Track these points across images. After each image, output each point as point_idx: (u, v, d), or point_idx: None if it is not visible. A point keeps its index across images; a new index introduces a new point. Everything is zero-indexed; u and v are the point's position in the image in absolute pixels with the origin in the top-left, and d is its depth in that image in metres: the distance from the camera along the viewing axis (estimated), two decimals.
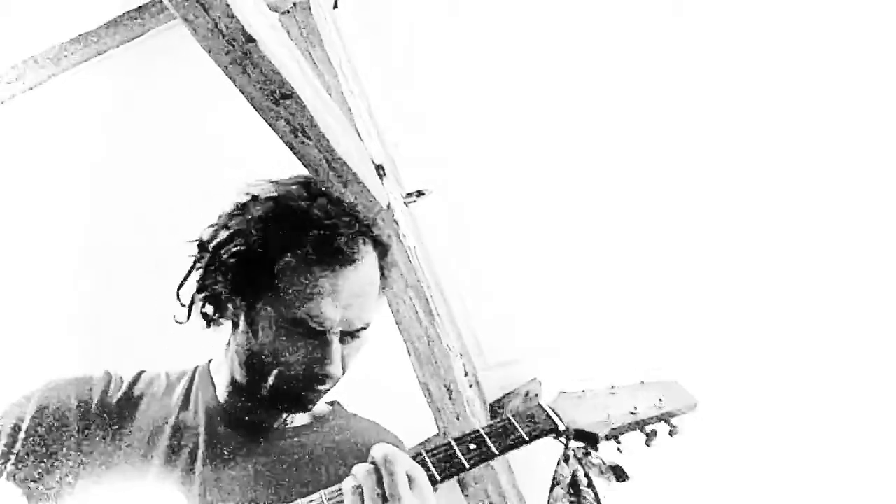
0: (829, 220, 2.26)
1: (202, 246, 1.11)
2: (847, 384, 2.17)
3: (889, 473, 2.14)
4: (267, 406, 1.14)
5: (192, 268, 1.12)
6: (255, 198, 1.10)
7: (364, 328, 1.11)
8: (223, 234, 1.09)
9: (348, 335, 1.09)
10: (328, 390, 1.13)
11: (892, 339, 2.19)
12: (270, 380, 1.08)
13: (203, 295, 1.11)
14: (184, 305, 1.13)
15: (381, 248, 1.15)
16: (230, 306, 1.11)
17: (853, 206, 2.26)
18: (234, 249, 1.06)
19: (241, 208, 1.11)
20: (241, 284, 1.07)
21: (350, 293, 1.07)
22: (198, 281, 1.11)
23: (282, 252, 1.05)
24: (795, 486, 2.17)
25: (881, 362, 2.19)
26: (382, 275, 1.16)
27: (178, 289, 1.12)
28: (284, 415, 1.18)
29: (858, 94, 2.26)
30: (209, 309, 1.12)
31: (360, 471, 0.95)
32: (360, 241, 1.09)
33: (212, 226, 1.12)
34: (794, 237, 2.28)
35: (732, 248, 2.31)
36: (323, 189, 1.13)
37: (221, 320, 1.14)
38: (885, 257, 2.22)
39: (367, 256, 1.11)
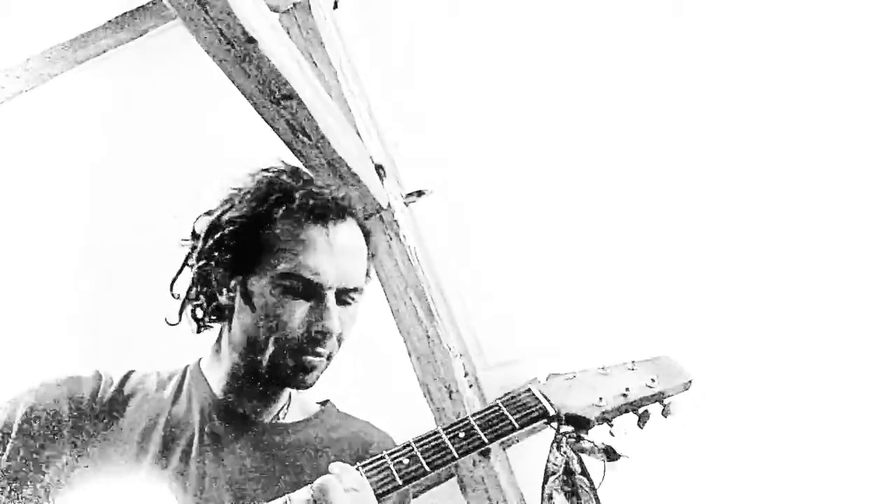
0: (821, 215, 2.26)
1: (195, 234, 1.14)
2: (840, 368, 2.17)
3: (885, 455, 2.14)
4: (264, 387, 1.15)
5: (186, 260, 1.14)
6: (251, 175, 1.16)
7: (357, 290, 1.14)
8: (215, 215, 1.13)
9: (342, 299, 1.12)
10: (327, 363, 1.14)
11: (885, 322, 2.19)
12: (269, 350, 1.09)
13: (196, 289, 1.14)
14: (176, 298, 1.15)
15: (364, 231, 1.20)
16: (224, 291, 1.13)
17: (846, 200, 2.26)
18: (229, 220, 1.10)
19: (235, 192, 1.15)
20: (236, 259, 1.10)
21: (342, 250, 1.11)
22: (192, 272, 1.14)
23: (273, 212, 1.09)
24: (791, 468, 2.17)
25: (874, 345, 2.19)
26: (369, 256, 1.20)
27: (172, 282, 1.15)
28: (278, 409, 1.18)
29: (858, 93, 2.26)
30: (202, 302, 1.15)
31: (299, 499, 0.96)
32: (346, 209, 1.15)
33: (206, 213, 1.15)
34: (792, 235, 2.28)
35: (734, 249, 2.31)
36: (309, 177, 1.18)
37: (212, 323, 1.16)
38: (872, 241, 2.23)
39: (352, 224, 1.16)
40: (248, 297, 1.10)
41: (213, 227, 1.11)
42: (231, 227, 1.10)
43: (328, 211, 1.10)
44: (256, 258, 1.09)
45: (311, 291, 1.08)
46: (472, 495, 2.16)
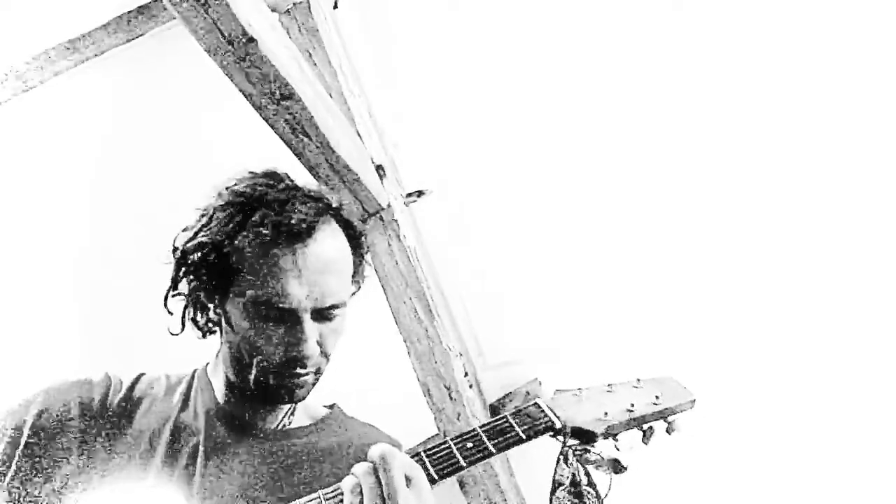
0: (825, 217, 2.26)
1: (175, 250, 1.12)
2: (843, 381, 2.17)
3: (888, 468, 2.14)
4: (258, 401, 1.14)
5: (174, 276, 1.12)
6: (220, 194, 1.12)
7: (337, 306, 1.10)
8: (189, 234, 1.10)
9: (322, 315, 1.09)
10: (315, 378, 1.13)
11: (886, 331, 2.19)
12: (253, 372, 1.08)
13: (188, 300, 1.12)
14: (171, 313, 1.13)
15: (352, 231, 1.15)
16: (210, 307, 1.12)
17: (850, 201, 2.25)
18: (198, 244, 1.08)
19: (204, 212, 1.12)
20: (210, 280, 1.08)
21: (313, 269, 1.06)
22: (182, 287, 1.12)
23: (236, 236, 1.05)
24: (794, 483, 2.17)
25: (877, 356, 2.19)
26: (359, 257, 1.17)
27: (165, 299, 1.13)
28: (282, 415, 1.18)
29: (859, 90, 2.26)
30: (197, 315, 1.13)
31: (360, 469, 0.95)
32: (319, 218, 1.09)
33: (185, 229, 1.13)
34: (791, 235, 2.28)
35: (733, 249, 2.31)
36: (288, 177, 1.14)
37: (213, 327, 1.15)
38: (880, 250, 2.22)
39: (329, 234, 1.10)
40: (228, 318, 1.10)
41: (185, 253, 1.09)
42: (199, 253, 1.07)
43: (295, 231, 1.05)
44: (229, 283, 1.07)
45: (285, 316, 1.06)
46: (471, 495, 2.16)
